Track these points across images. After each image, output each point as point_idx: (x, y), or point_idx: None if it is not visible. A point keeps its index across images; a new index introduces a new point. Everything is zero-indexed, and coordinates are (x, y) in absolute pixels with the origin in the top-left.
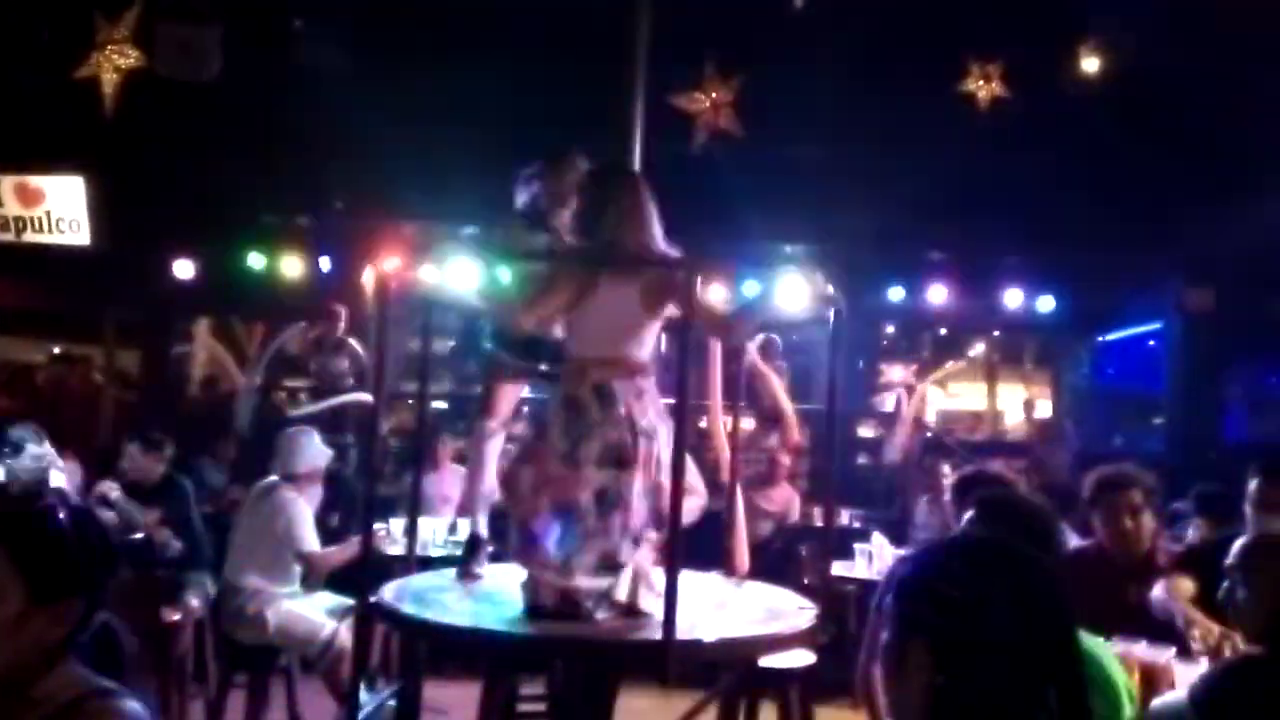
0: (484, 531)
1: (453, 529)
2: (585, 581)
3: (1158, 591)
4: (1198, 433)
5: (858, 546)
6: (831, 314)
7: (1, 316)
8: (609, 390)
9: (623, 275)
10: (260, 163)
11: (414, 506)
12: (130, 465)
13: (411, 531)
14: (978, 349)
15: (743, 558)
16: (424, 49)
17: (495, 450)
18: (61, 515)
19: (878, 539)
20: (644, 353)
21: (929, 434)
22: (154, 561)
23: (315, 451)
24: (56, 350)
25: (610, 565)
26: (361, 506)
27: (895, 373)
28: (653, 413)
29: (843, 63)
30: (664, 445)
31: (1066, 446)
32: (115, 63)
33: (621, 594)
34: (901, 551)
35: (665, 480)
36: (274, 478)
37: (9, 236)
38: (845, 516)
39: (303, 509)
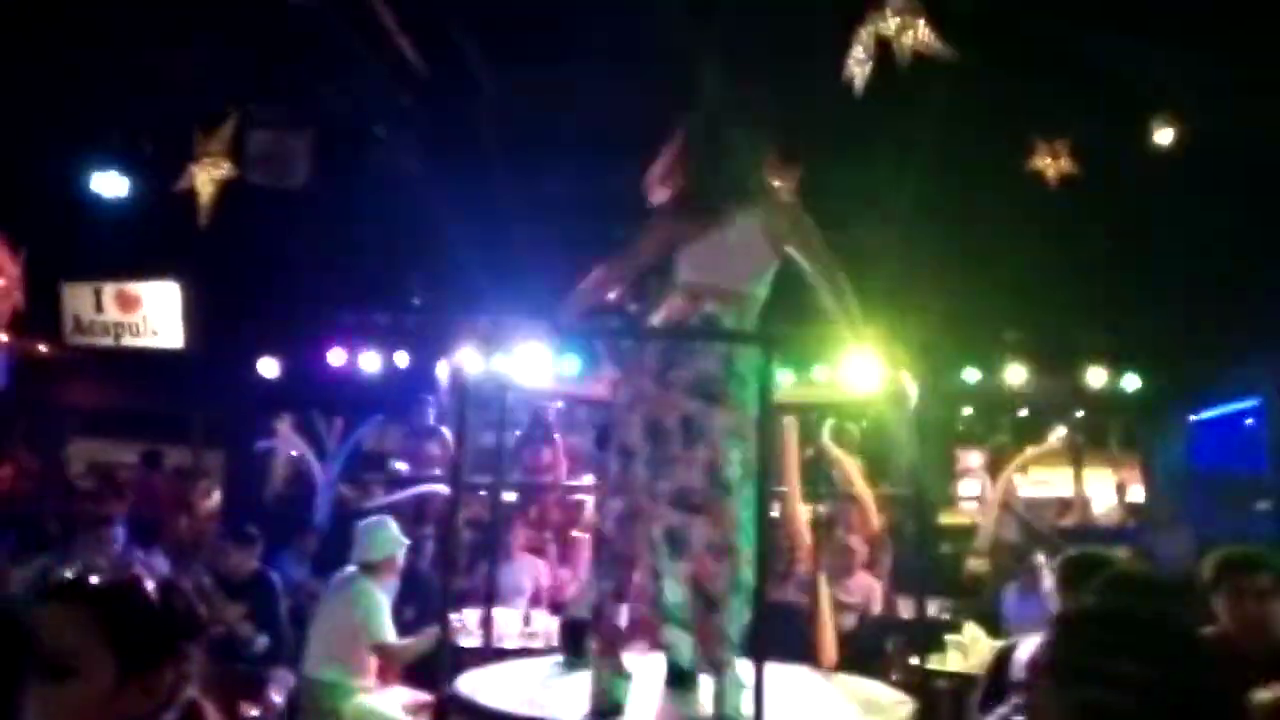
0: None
1: (527, 620)
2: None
3: None
4: None
5: (950, 639)
6: (912, 393)
7: (98, 419)
8: (715, 321)
9: (748, 209)
10: (342, 264)
11: (488, 597)
12: (220, 560)
13: (487, 622)
14: (1060, 431)
15: (830, 649)
16: (494, 149)
17: None
18: (148, 584)
19: (970, 630)
20: (757, 292)
21: (1018, 520)
22: (236, 656)
23: (391, 540)
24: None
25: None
26: (438, 598)
27: (971, 458)
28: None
29: (908, 143)
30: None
31: (1183, 533)
32: (211, 174)
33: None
34: (999, 643)
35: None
36: (351, 568)
37: (109, 341)
38: (932, 607)
39: (379, 599)
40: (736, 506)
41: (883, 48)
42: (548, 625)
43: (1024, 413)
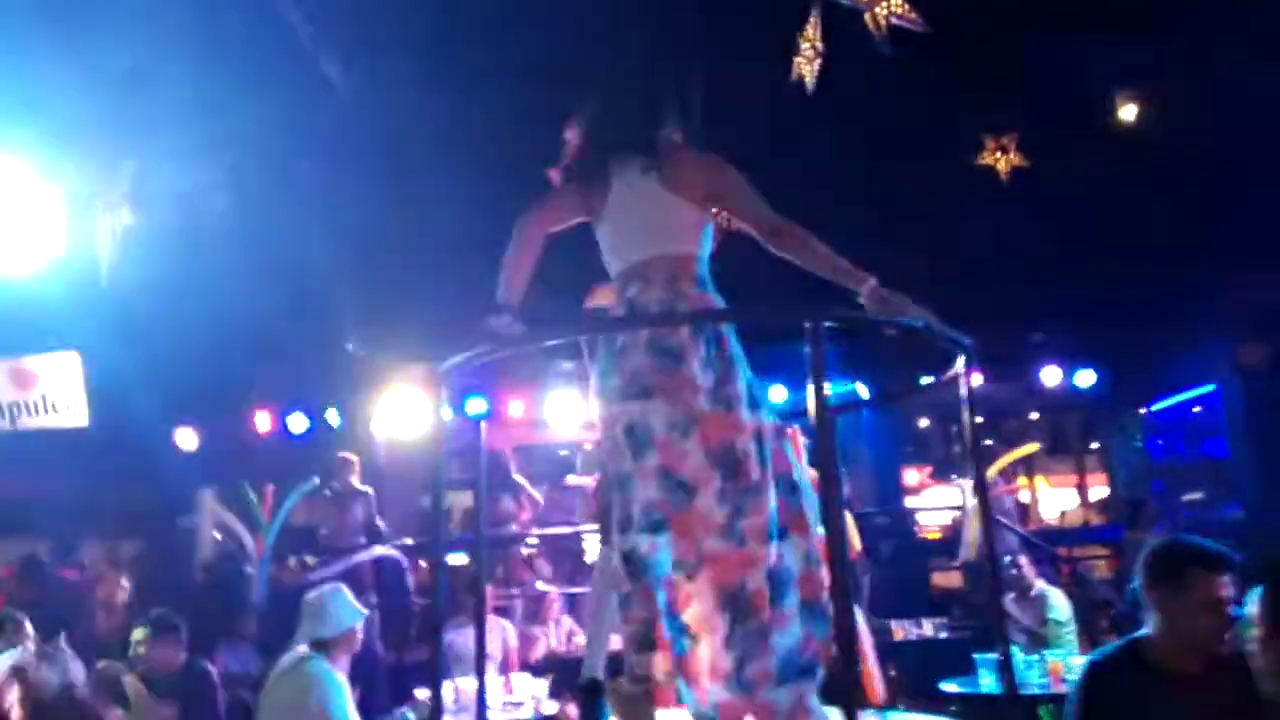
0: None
1: (508, 687)
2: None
3: None
4: (1276, 495)
5: (980, 658)
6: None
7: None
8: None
9: (638, 165)
10: (262, 315)
11: (480, 665)
12: (145, 657)
13: (481, 695)
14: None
15: (877, 685)
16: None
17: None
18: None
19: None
20: (689, 248)
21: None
22: None
23: (347, 611)
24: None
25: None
26: (386, 675)
27: (910, 476)
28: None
29: (847, 141)
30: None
31: (1165, 526)
32: (112, 225)
33: None
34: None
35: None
36: (301, 648)
37: (4, 425)
38: (927, 627)
39: (338, 681)
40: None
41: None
42: (532, 689)
43: (979, 419)
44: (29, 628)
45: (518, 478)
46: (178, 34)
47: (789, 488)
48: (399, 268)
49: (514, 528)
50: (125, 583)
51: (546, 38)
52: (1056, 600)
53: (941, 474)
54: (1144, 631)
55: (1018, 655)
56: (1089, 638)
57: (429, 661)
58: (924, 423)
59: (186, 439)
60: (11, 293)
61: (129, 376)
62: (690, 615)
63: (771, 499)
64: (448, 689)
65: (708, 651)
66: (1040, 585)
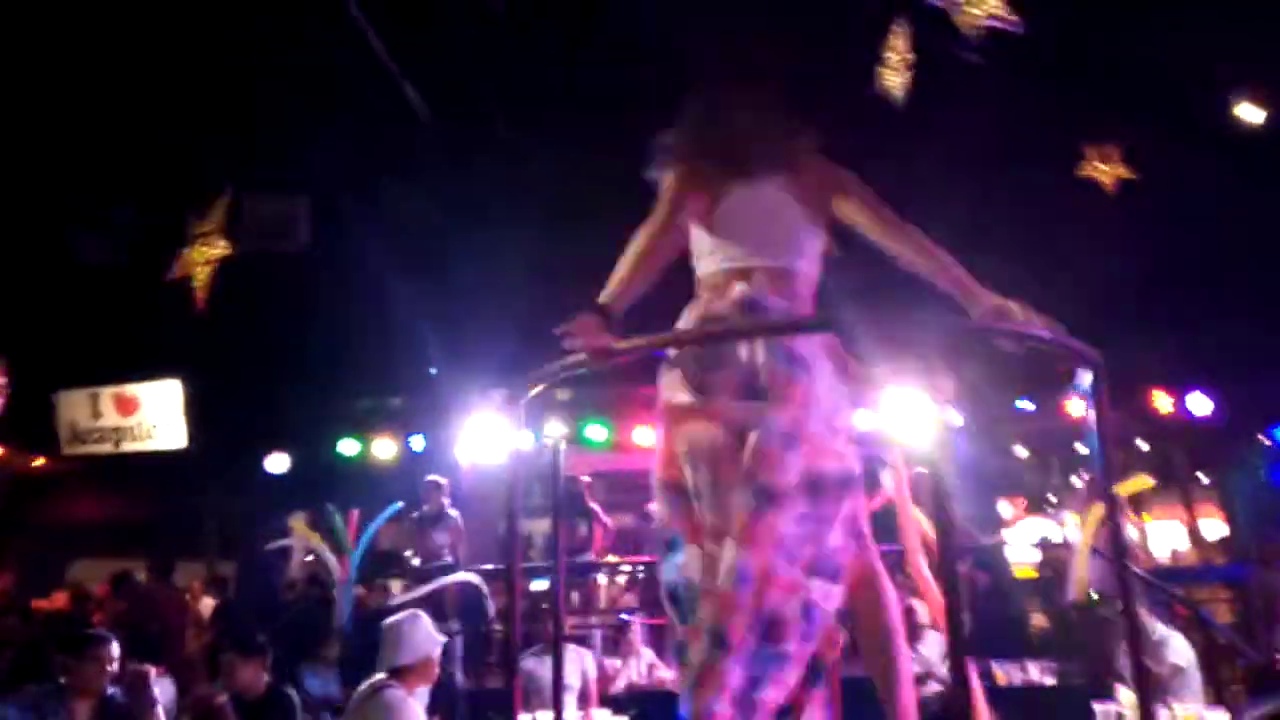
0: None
1: None
2: None
3: None
4: None
5: (1100, 709)
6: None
7: (101, 533)
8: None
9: (771, 168)
10: (349, 340)
11: (557, 696)
12: (228, 678)
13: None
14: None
15: None
16: (507, 206)
17: None
18: None
19: (1127, 696)
20: (806, 264)
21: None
22: None
23: (425, 638)
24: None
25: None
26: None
27: (1004, 509)
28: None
29: (954, 152)
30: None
31: None
32: (205, 255)
33: None
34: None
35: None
36: (379, 675)
37: (108, 448)
38: (1032, 671)
39: (414, 711)
40: None
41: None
42: None
43: (1083, 449)
44: (115, 648)
45: (591, 504)
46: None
47: (854, 534)
48: (481, 293)
49: (590, 556)
50: (210, 602)
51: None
52: (1179, 644)
53: (1037, 507)
54: None
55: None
56: (1217, 688)
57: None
58: (1021, 453)
59: (277, 463)
60: (114, 319)
61: (224, 403)
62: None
63: (838, 536)
64: None
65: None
66: (1161, 629)
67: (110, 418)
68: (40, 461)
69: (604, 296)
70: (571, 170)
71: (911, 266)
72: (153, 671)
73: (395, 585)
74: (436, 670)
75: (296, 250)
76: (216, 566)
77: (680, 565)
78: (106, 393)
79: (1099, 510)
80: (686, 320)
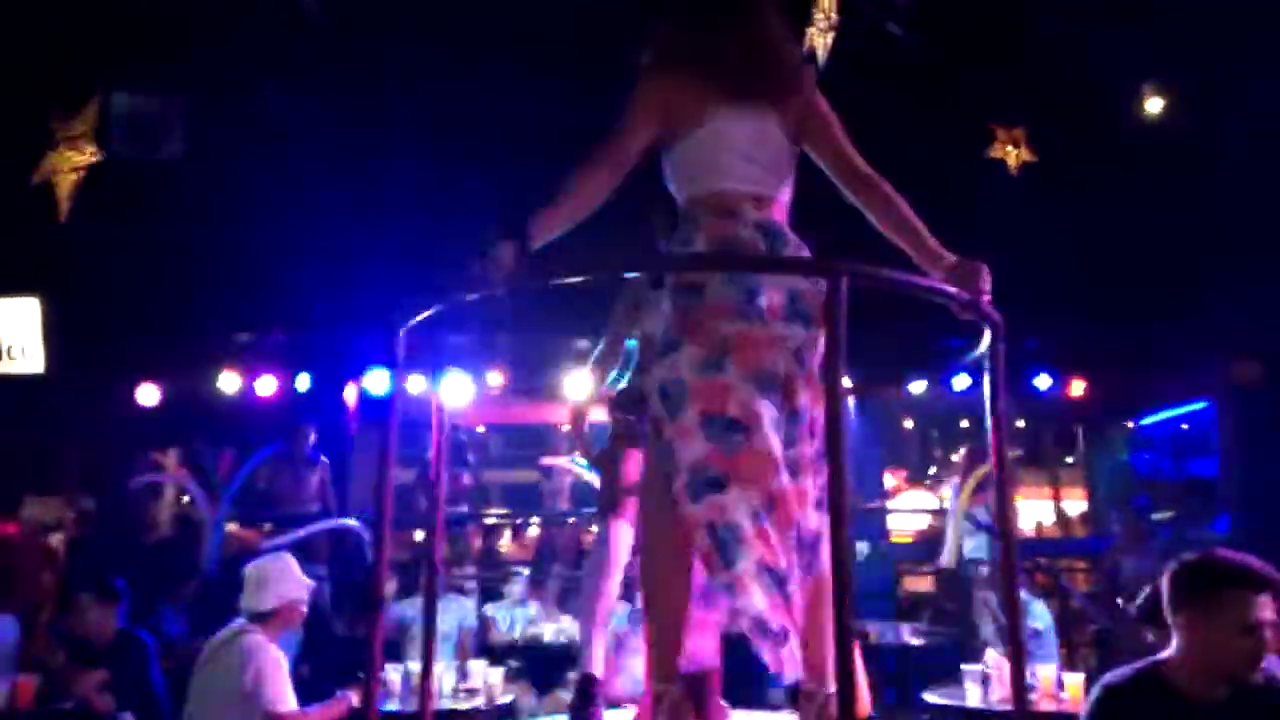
0: (599, 669)
1: (463, 673)
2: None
3: None
4: (1265, 516)
5: (967, 669)
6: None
7: None
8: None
9: (776, 87)
10: (230, 266)
11: (427, 648)
12: (78, 619)
13: (426, 676)
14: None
15: (864, 693)
16: (406, 124)
17: (621, 559)
18: None
19: (993, 656)
20: (788, 197)
21: (986, 532)
22: None
23: (291, 582)
24: None
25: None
26: (341, 651)
27: (887, 479)
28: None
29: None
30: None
31: (1150, 547)
32: (72, 160)
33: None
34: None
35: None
36: (239, 621)
37: None
38: (904, 631)
39: (274, 658)
40: None
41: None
42: (488, 676)
43: (965, 423)
44: None
45: (469, 456)
46: None
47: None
48: (375, 220)
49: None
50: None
51: None
52: (1039, 610)
53: (917, 478)
54: (1166, 653)
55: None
56: (1069, 650)
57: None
58: (907, 424)
59: (148, 394)
60: None
61: (90, 327)
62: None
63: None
64: (397, 671)
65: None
66: (1023, 595)
67: None
68: None
69: (534, 222)
70: (477, 90)
71: (876, 219)
72: None
73: (267, 528)
74: (301, 615)
75: (172, 157)
76: (77, 501)
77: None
78: None
79: (974, 481)
80: (693, 246)
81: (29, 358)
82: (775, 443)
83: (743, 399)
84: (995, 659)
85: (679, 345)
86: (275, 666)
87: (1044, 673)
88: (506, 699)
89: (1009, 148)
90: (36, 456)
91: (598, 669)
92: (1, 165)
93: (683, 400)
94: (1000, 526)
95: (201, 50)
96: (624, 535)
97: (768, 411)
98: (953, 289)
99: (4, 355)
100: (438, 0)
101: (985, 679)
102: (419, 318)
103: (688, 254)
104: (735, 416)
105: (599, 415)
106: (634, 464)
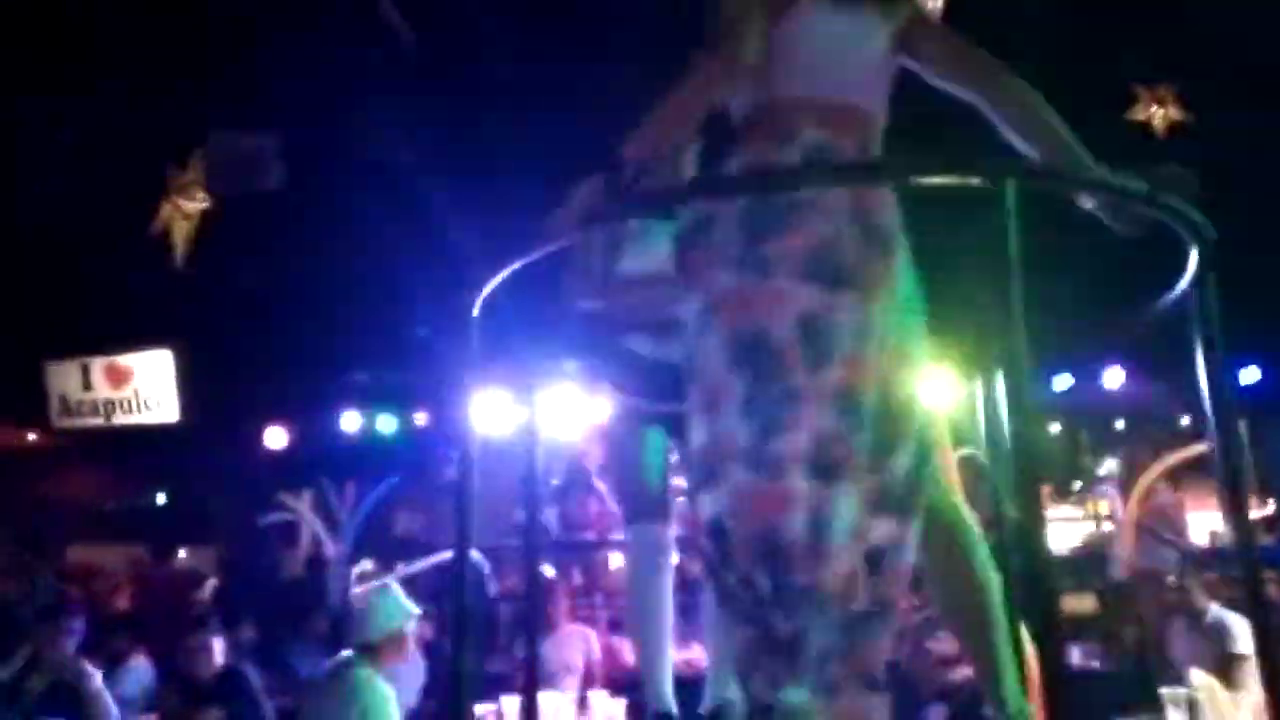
0: (672, 706)
1: (583, 705)
2: None
3: None
4: None
5: (1169, 693)
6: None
7: (94, 514)
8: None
9: None
10: (342, 303)
11: (531, 680)
12: (189, 659)
13: (531, 712)
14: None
15: None
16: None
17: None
18: None
19: (1202, 679)
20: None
21: (1163, 543)
22: None
23: (394, 611)
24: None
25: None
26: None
27: (1110, 466)
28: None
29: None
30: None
31: None
32: (185, 209)
33: None
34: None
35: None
36: (345, 653)
37: (99, 421)
38: (1076, 655)
39: (381, 692)
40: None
41: None
42: (609, 711)
43: (1119, 424)
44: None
45: (598, 482)
46: None
47: None
48: (480, 244)
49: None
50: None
51: None
52: (1239, 630)
53: (1064, 492)
54: None
55: (1217, 690)
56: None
57: (510, 673)
58: (1052, 427)
59: (276, 438)
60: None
61: (219, 375)
62: None
63: None
64: (512, 703)
65: None
66: (1214, 610)
67: (102, 390)
68: (33, 437)
69: (628, 152)
70: (578, 102)
71: (1012, 123)
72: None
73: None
74: (410, 645)
75: (269, 188)
76: (226, 550)
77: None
78: (98, 363)
79: (1143, 488)
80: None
81: (165, 408)
82: (730, 430)
83: (713, 372)
84: (1203, 679)
85: (846, 284)
86: (384, 700)
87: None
88: None
89: (1155, 108)
90: (185, 505)
91: (670, 704)
92: (127, 222)
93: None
94: (1237, 531)
95: (294, 83)
96: (662, 542)
97: (730, 387)
98: (1142, 191)
99: (142, 407)
100: (530, 16)
101: (1193, 704)
102: (494, 283)
103: (800, 167)
104: (705, 393)
105: None
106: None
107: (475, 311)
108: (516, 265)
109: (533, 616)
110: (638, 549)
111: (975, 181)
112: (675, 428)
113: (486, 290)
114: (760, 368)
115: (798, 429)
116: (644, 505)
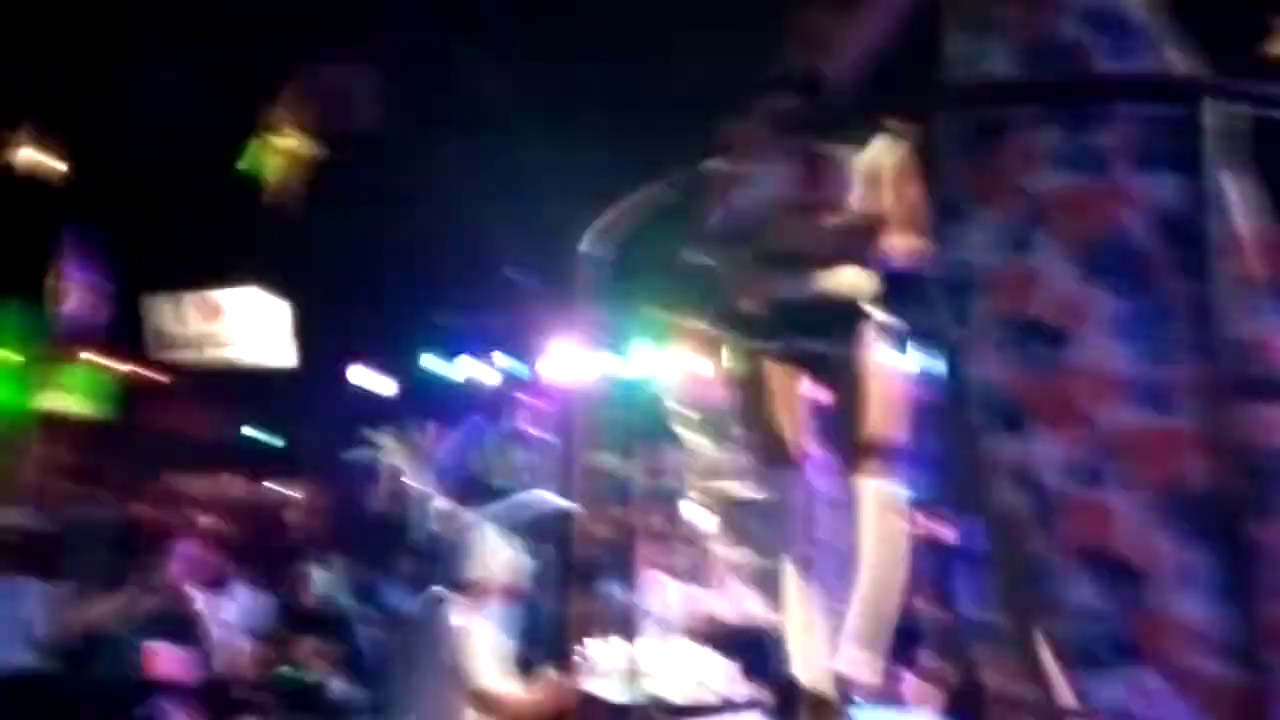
0: (809, 668)
1: (680, 661)
2: None
3: None
4: None
5: None
6: None
7: (201, 445)
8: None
9: None
10: (429, 246)
11: (631, 624)
12: (292, 589)
13: (632, 669)
14: None
15: None
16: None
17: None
18: None
19: None
20: None
21: None
22: (309, 707)
23: (496, 552)
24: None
25: None
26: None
27: None
28: None
29: None
30: None
31: None
32: (276, 145)
33: None
34: None
35: None
36: (439, 589)
37: (192, 354)
38: None
39: (479, 630)
40: None
41: None
42: (711, 665)
43: None
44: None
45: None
46: None
47: None
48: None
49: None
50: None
51: None
52: None
53: None
54: None
55: None
56: None
57: (589, 616)
58: None
59: (363, 377)
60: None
61: (315, 316)
62: None
63: None
64: (603, 648)
65: None
66: None
67: (194, 324)
68: (145, 371)
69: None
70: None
71: None
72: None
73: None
74: (503, 589)
75: (367, 126)
76: (314, 482)
77: None
78: (189, 299)
79: None
80: (989, 60)
81: (258, 344)
82: (1111, 358)
83: (1058, 291)
84: None
85: (967, 214)
86: (478, 639)
87: None
88: (728, 690)
89: None
90: (279, 438)
91: (806, 669)
92: (223, 159)
93: (969, 293)
94: None
95: (390, 20)
96: (802, 489)
97: (1098, 308)
98: None
99: (233, 341)
100: None
101: None
102: (614, 214)
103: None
104: (1042, 318)
105: None
106: (789, 393)
107: (589, 247)
108: (638, 199)
109: (626, 561)
110: (782, 495)
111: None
112: (811, 367)
113: (606, 222)
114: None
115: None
116: (781, 450)
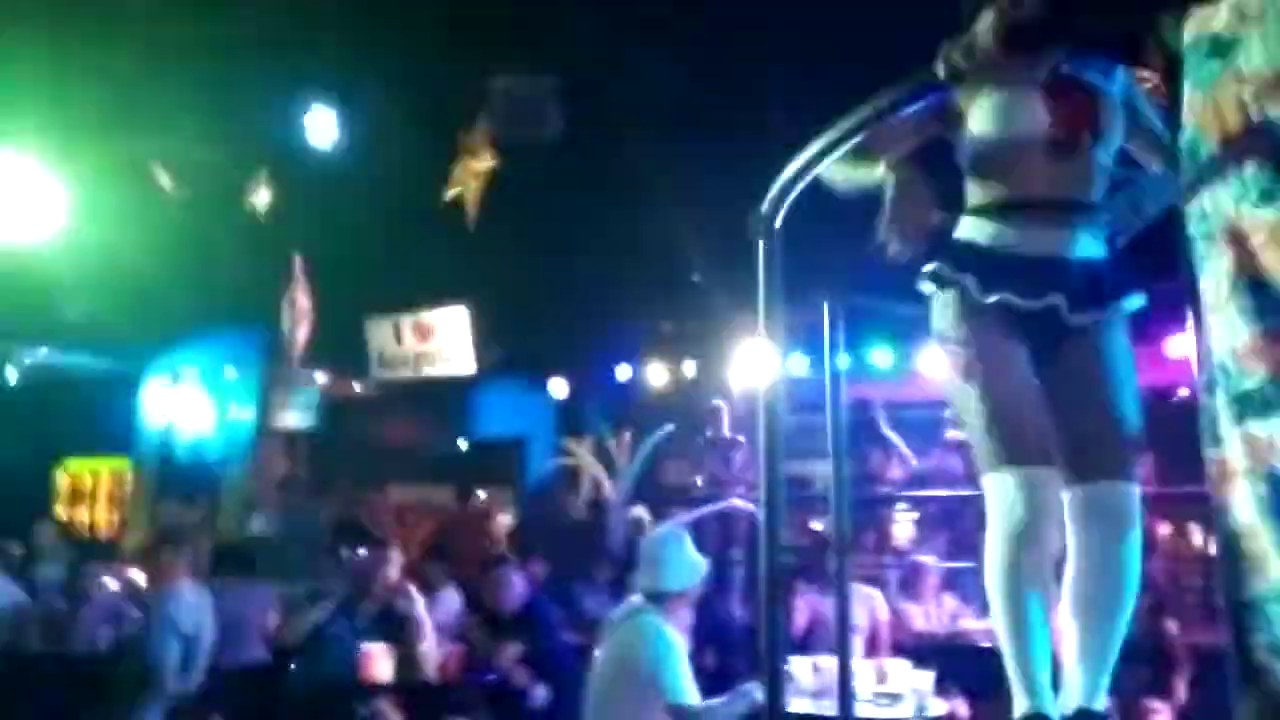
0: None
1: (881, 675)
2: None
3: None
4: None
5: None
6: None
7: (410, 458)
8: None
9: None
10: (616, 256)
11: (843, 640)
12: (493, 592)
13: (845, 679)
14: None
15: None
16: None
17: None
18: None
19: None
20: None
21: None
22: (510, 713)
23: (690, 563)
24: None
25: None
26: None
27: None
28: None
29: None
30: None
31: None
32: (474, 169)
33: None
34: None
35: None
36: (635, 599)
37: (408, 373)
38: None
39: (674, 643)
40: None
41: None
42: (912, 681)
43: None
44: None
45: (888, 432)
46: None
47: None
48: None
49: (885, 489)
50: (506, 521)
51: None
52: None
53: None
54: None
55: None
56: None
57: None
58: None
59: (559, 388)
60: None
61: (506, 327)
62: None
63: None
64: (804, 665)
65: None
66: None
67: (410, 344)
68: (357, 387)
69: None
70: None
71: None
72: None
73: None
74: (695, 598)
75: (551, 136)
76: (516, 491)
77: None
78: (407, 320)
79: None
80: None
81: (463, 360)
82: None
83: None
84: None
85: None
86: (676, 653)
87: None
88: (938, 709)
89: None
90: (481, 449)
91: (1048, 703)
92: (420, 184)
93: (1211, 239)
94: None
95: (573, 27)
96: (1053, 486)
97: None
98: None
99: (440, 359)
100: None
101: None
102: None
103: None
104: None
105: None
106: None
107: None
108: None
109: (841, 574)
110: (1018, 494)
111: None
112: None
113: (790, 175)
114: None
115: None
116: (1027, 444)
